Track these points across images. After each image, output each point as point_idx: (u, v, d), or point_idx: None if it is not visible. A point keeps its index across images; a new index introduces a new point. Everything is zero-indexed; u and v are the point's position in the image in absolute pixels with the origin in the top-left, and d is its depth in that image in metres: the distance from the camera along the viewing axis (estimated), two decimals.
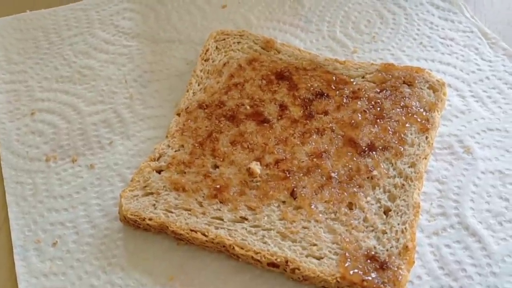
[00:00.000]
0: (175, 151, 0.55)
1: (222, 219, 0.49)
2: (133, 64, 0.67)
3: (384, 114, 0.56)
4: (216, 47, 0.64)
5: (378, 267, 0.46)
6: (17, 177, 0.57)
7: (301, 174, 0.52)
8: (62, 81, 0.66)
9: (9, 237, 0.53)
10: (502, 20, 0.70)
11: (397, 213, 0.49)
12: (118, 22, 0.72)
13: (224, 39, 0.64)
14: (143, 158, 0.57)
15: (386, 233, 0.48)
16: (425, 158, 0.52)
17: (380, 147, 0.53)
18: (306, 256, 0.47)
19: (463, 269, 0.49)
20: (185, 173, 0.53)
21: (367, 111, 0.56)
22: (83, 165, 0.57)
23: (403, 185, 0.51)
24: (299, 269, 0.46)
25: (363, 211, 0.49)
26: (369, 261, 0.46)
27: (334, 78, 0.59)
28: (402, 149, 0.53)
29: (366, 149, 0.53)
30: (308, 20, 0.71)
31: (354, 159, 0.52)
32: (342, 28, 0.70)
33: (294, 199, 0.50)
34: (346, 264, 0.46)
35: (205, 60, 0.63)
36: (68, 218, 0.54)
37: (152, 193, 0.52)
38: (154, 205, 0.51)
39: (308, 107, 0.57)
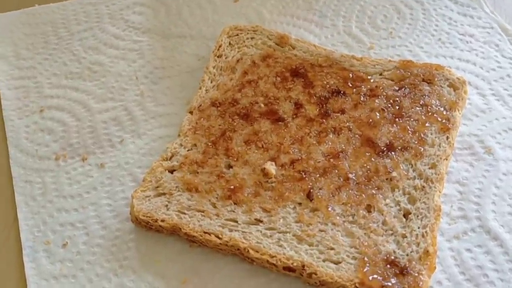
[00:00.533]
0: (188, 150, 0.53)
1: (236, 221, 0.48)
2: (144, 60, 0.65)
3: (403, 113, 0.54)
4: (229, 43, 0.62)
5: (398, 272, 0.44)
6: (26, 176, 0.56)
7: (318, 175, 0.50)
8: (72, 78, 0.64)
9: (18, 238, 0.52)
10: None
11: (417, 216, 0.48)
12: (128, 16, 0.70)
13: (237, 35, 0.63)
14: (155, 157, 0.56)
15: (406, 237, 0.46)
16: (446, 159, 0.51)
17: (399, 147, 0.51)
18: (324, 261, 0.45)
19: (484, 274, 0.47)
20: (198, 173, 0.51)
21: (385, 110, 0.54)
22: (93, 164, 0.56)
23: (424, 187, 0.49)
24: (316, 274, 0.45)
25: (382, 214, 0.48)
26: (388, 266, 0.44)
27: (350, 75, 0.58)
28: (422, 149, 0.51)
29: (385, 149, 0.51)
30: (323, 14, 0.69)
31: (372, 159, 0.51)
32: (358, 23, 0.68)
33: (311, 200, 0.49)
34: (365, 269, 0.44)
35: (218, 56, 0.61)
36: (78, 218, 0.52)
37: (164, 194, 0.50)
38: (166, 206, 0.49)
39: (324, 105, 0.55)
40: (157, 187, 0.51)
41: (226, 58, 0.61)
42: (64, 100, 0.62)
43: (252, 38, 0.63)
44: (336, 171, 0.50)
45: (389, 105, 0.55)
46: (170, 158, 0.53)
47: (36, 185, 0.55)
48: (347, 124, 0.54)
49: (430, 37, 0.66)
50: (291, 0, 0.71)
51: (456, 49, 0.64)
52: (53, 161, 0.57)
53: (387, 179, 0.50)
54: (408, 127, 0.53)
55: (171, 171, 0.52)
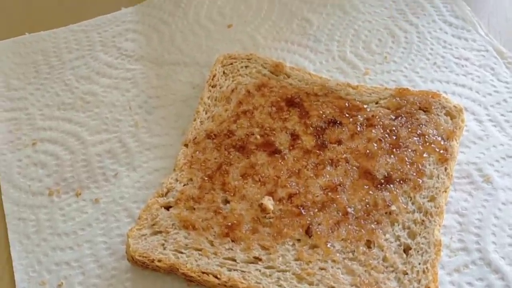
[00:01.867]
0: (184, 185, 0.52)
1: (234, 260, 0.47)
2: (138, 89, 0.65)
3: (401, 143, 0.53)
4: (224, 72, 0.62)
5: None
6: (20, 213, 0.55)
7: (316, 210, 0.49)
8: (64, 109, 0.63)
9: (12, 278, 0.50)
10: None
11: (418, 251, 0.47)
12: (120, 44, 0.70)
13: (231, 63, 0.62)
14: (150, 191, 0.55)
15: (407, 273, 0.46)
16: (445, 191, 0.50)
17: (398, 180, 0.51)
18: None
19: None
20: (194, 209, 0.51)
21: (383, 140, 0.54)
22: (87, 199, 0.55)
23: (423, 221, 0.49)
24: None
25: (382, 250, 0.47)
26: None
27: (346, 104, 0.57)
28: (420, 181, 0.51)
29: (383, 181, 0.51)
30: (317, 39, 0.69)
31: (371, 192, 0.50)
32: (352, 48, 0.67)
33: (310, 237, 0.48)
34: None
35: (212, 86, 0.60)
36: (73, 257, 0.51)
37: (160, 232, 0.49)
38: (163, 245, 0.49)
39: (321, 136, 0.55)
40: (153, 225, 0.50)
41: (220, 88, 0.60)
42: (57, 132, 0.61)
43: (246, 66, 0.62)
44: (335, 205, 0.50)
45: (386, 135, 0.54)
46: (166, 194, 0.52)
47: (30, 223, 0.54)
48: (344, 155, 0.53)
49: (425, 61, 0.65)
50: (285, 25, 0.71)
51: (451, 73, 0.64)
52: (47, 196, 0.56)
53: (386, 213, 0.49)
54: (406, 158, 0.52)
55: (167, 208, 0.51)
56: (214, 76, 0.61)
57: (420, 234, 0.48)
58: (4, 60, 0.68)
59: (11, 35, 0.71)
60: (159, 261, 0.47)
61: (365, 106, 0.57)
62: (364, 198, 0.50)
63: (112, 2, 0.74)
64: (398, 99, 0.57)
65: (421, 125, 0.55)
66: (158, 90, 0.64)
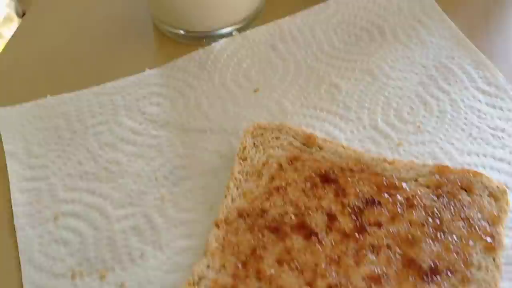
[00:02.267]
0: (216, 272, 0.50)
1: None
2: (163, 158, 0.62)
3: (445, 228, 0.51)
4: (254, 144, 0.60)
5: None
6: None
7: None
8: (87, 179, 0.61)
9: None
10: None
11: None
12: (145, 108, 0.68)
13: (261, 134, 0.60)
14: (178, 274, 0.52)
15: None
16: (496, 285, 0.47)
17: (445, 270, 0.48)
18: None
19: None
20: None
21: (425, 224, 0.51)
22: (112, 282, 0.52)
23: None
24: None
25: None
26: None
27: (384, 181, 0.55)
28: (469, 273, 0.48)
29: (429, 272, 0.48)
30: (346, 106, 0.67)
31: (418, 286, 0.47)
32: (383, 116, 0.65)
33: None
34: None
35: (242, 160, 0.58)
36: None
37: None
38: None
39: (359, 217, 0.52)
40: None
41: (251, 161, 0.58)
42: (79, 205, 0.59)
43: (277, 138, 0.60)
44: None
45: (429, 218, 0.52)
46: (197, 283, 0.49)
47: None
48: (386, 241, 0.50)
49: (460, 132, 0.63)
50: (313, 90, 0.69)
51: (488, 145, 0.62)
52: (69, 280, 0.53)
53: None
54: (452, 246, 0.49)
55: None
56: (244, 148, 0.59)
57: None
58: (25, 125, 0.66)
59: (32, 97, 0.69)
60: None
61: (403, 184, 0.55)
62: None
63: (135, 63, 0.73)
64: (437, 176, 0.55)
65: (464, 207, 0.52)
66: (184, 160, 0.62)
